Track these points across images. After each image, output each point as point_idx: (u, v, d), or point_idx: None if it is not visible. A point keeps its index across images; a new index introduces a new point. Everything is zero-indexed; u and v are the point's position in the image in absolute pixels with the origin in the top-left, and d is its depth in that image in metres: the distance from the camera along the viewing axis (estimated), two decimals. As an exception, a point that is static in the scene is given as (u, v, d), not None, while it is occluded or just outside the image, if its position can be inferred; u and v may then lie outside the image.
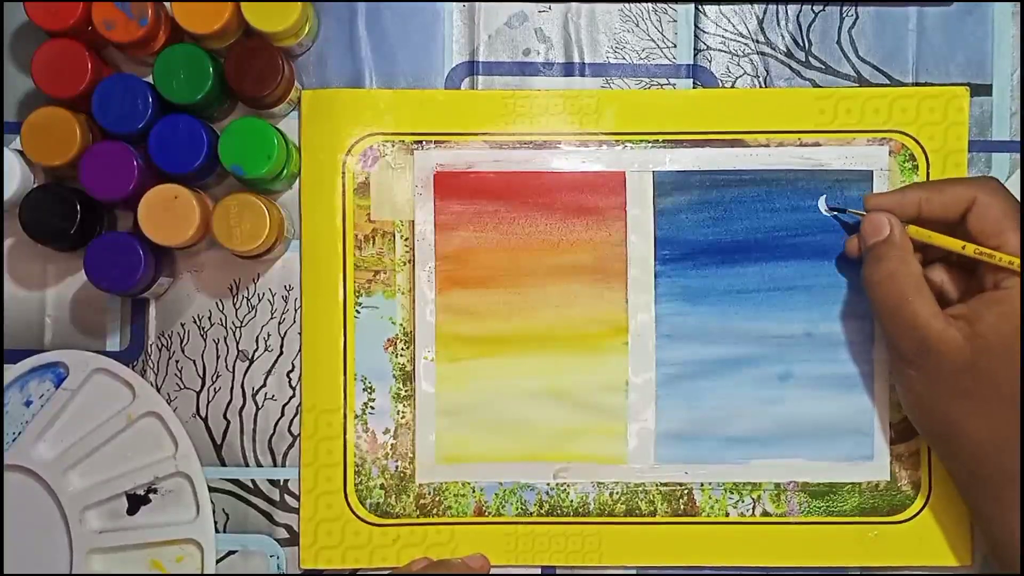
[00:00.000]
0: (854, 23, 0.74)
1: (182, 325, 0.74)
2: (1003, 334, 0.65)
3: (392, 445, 0.73)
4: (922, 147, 0.73)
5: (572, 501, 0.74)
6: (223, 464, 0.74)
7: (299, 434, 0.73)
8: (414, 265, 0.73)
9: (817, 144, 0.73)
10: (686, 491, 0.73)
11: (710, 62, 0.74)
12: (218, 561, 0.73)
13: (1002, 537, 0.67)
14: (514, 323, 0.74)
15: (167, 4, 0.69)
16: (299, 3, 0.69)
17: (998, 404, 0.66)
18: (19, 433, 0.72)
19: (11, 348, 0.73)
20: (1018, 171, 0.74)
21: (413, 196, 0.73)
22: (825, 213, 0.73)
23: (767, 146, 0.74)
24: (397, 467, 0.73)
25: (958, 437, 0.68)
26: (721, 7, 0.74)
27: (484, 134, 0.74)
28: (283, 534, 0.73)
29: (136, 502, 0.72)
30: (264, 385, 0.74)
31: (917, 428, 0.71)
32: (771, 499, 0.73)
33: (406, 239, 0.73)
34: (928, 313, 0.66)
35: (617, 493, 0.73)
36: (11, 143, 0.72)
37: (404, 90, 0.74)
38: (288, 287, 0.74)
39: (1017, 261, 0.65)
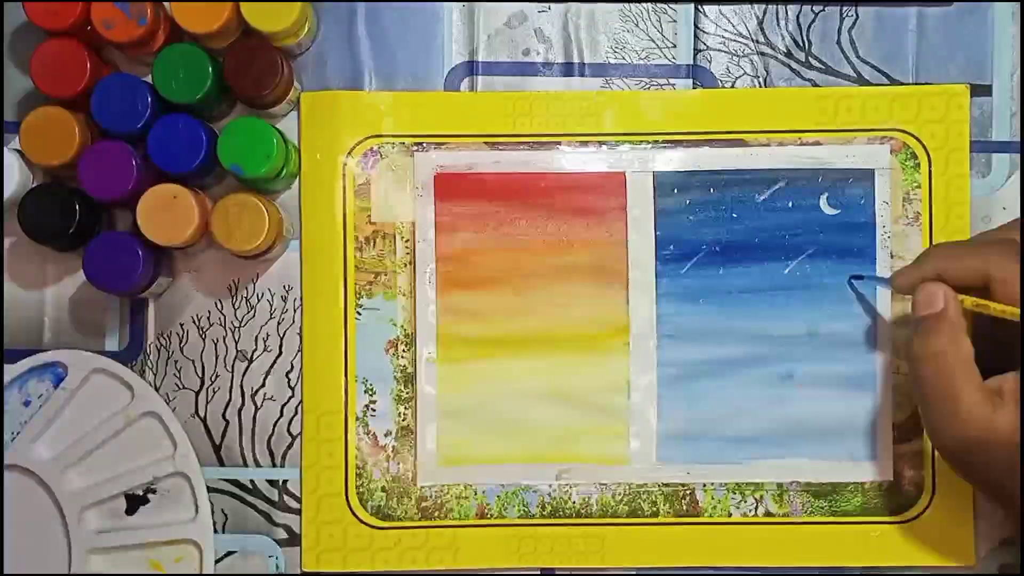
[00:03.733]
0: (854, 23, 0.74)
1: (181, 325, 0.73)
2: None
3: (393, 447, 0.73)
4: (923, 145, 0.73)
5: (574, 502, 0.73)
6: (222, 464, 0.73)
7: (299, 435, 0.73)
8: (415, 267, 0.73)
9: (818, 143, 0.73)
10: (688, 491, 0.73)
11: (710, 62, 0.74)
12: (217, 561, 0.73)
13: None
14: (515, 324, 0.73)
15: (166, 4, 0.69)
16: (298, 3, 0.69)
17: None
18: (18, 433, 0.72)
19: (10, 348, 0.73)
20: (1018, 171, 0.74)
21: (414, 198, 0.73)
22: (851, 283, 0.73)
23: (768, 145, 0.73)
24: (398, 469, 0.73)
25: (1018, 505, 0.65)
26: (721, 7, 0.75)
27: (484, 136, 0.74)
28: (282, 534, 0.73)
29: (135, 502, 0.72)
30: (263, 385, 0.73)
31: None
32: (774, 499, 0.73)
33: (407, 241, 0.73)
34: (976, 399, 0.62)
35: (619, 494, 0.73)
36: (10, 143, 0.72)
37: (404, 92, 0.74)
38: (287, 287, 0.73)
39: None
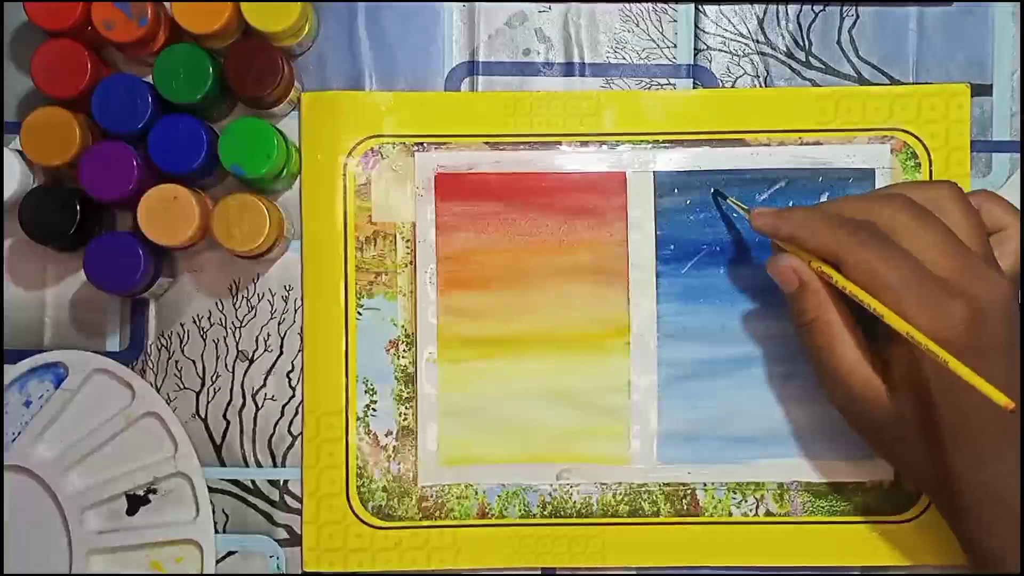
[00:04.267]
0: (854, 23, 0.74)
1: (182, 325, 0.73)
2: (912, 387, 0.63)
3: (394, 447, 0.73)
4: (924, 145, 0.73)
5: (575, 502, 0.73)
6: (223, 464, 0.73)
7: (299, 435, 0.73)
8: (415, 267, 0.73)
9: (818, 143, 0.73)
10: (689, 491, 0.73)
11: (710, 62, 0.74)
12: (218, 562, 0.73)
13: (989, 554, 0.64)
14: (516, 324, 0.73)
15: (167, 4, 0.69)
16: (299, 3, 0.69)
17: (937, 448, 0.63)
18: (19, 433, 0.72)
19: (10, 348, 0.73)
20: (1018, 171, 0.74)
21: (414, 198, 0.73)
22: (715, 197, 0.73)
23: (768, 145, 0.73)
24: (399, 469, 0.73)
25: (911, 476, 0.68)
26: (721, 7, 0.75)
27: (485, 135, 0.74)
28: (283, 535, 0.73)
29: (136, 502, 0.72)
30: (264, 385, 0.73)
31: None
32: (774, 499, 0.73)
33: (407, 241, 0.73)
34: (851, 362, 0.64)
35: (620, 494, 0.73)
36: (11, 143, 0.72)
37: (405, 92, 0.74)
38: (288, 287, 0.73)
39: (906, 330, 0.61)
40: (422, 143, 0.73)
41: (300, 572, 0.73)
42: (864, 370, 0.64)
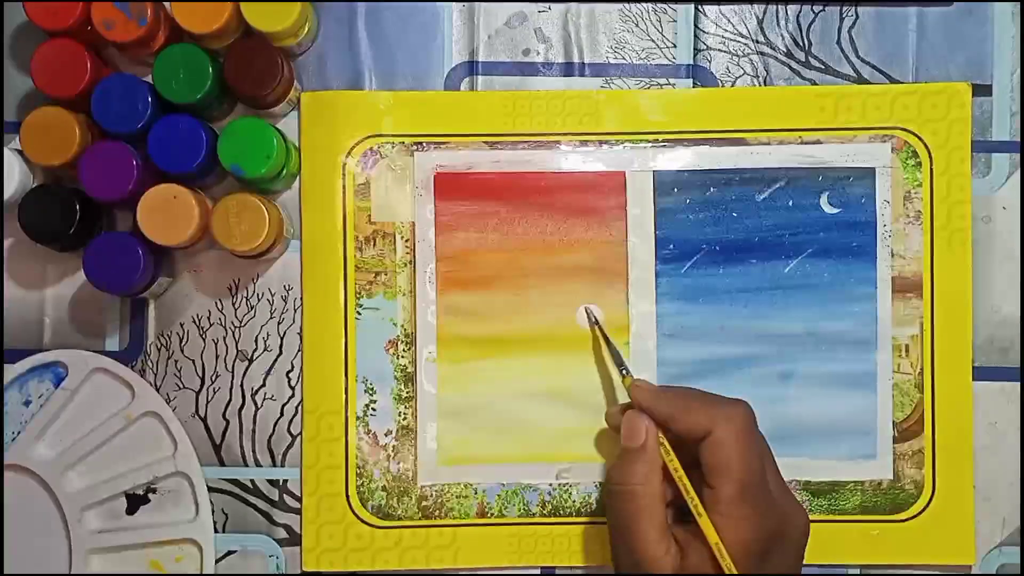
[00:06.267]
0: (854, 23, 0.74)
1: (181, 325, 0.73)
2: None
3: (394, 447, 0.73)
4: (925, 144, 0.73)
5: (575, 501, 0.73)
6: (222, 464, 0.73)
7: (299, 434, 0.73)
8: (415, 266, 0.73)
9: (818, 142, 0.73)
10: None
11: (710, 62, 0.74)
12: (217, 561, 0.73)
13: None
14: (515, 323, 0.73)
15: (166, 4, 0.69)
16: (299, 3, 0.69)
17: None
18: (18, 433, 0.72)
19: (10, 348, 0.73)
20: (1018, 171, 0.74)
21: (414, 197, 0.73)
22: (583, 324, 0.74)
23: (768, 144, 0.73)
24: (399, 469, 0.73)
25: None
26: (721, 7, 0.75)
27: (484, 135, 0.74)
28: (282, 534, 0.73)
29: (135, 502, 0.72)
30: (263, 385, 0.73)
31: None
32: (774, 498, 0.73)
33: (407, 240, 0.73)
34: (651, 539, 0.64)
35: (619, 493, 0.73)
36: (10, 143, 0.72)
37: (404, 92, 0.74)
38: (287, 287, 0.73)
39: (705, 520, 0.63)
40: (421, 143, 0.73)
41: (299, 572, 0.73)
42: (658, 549, 0.63)
